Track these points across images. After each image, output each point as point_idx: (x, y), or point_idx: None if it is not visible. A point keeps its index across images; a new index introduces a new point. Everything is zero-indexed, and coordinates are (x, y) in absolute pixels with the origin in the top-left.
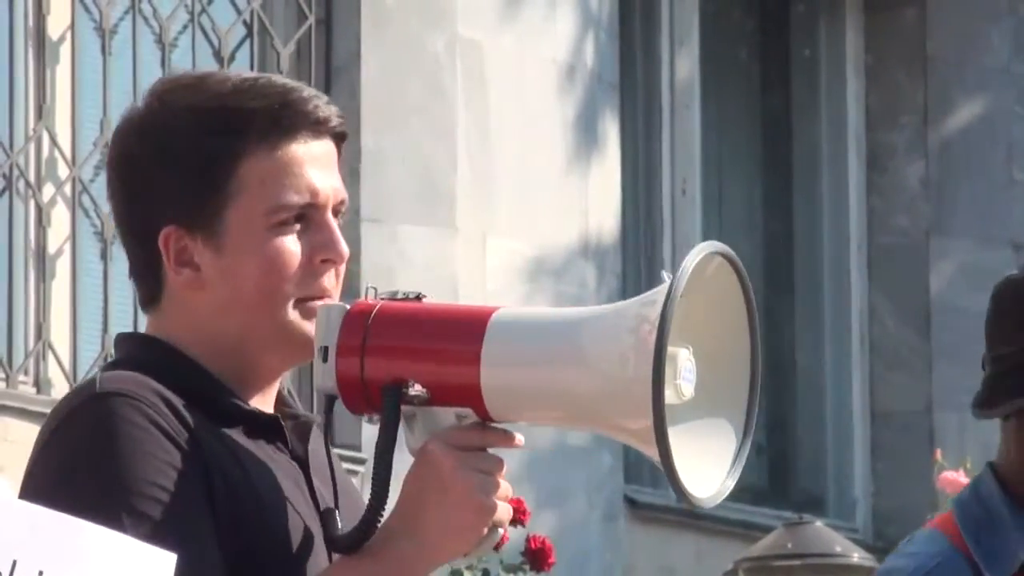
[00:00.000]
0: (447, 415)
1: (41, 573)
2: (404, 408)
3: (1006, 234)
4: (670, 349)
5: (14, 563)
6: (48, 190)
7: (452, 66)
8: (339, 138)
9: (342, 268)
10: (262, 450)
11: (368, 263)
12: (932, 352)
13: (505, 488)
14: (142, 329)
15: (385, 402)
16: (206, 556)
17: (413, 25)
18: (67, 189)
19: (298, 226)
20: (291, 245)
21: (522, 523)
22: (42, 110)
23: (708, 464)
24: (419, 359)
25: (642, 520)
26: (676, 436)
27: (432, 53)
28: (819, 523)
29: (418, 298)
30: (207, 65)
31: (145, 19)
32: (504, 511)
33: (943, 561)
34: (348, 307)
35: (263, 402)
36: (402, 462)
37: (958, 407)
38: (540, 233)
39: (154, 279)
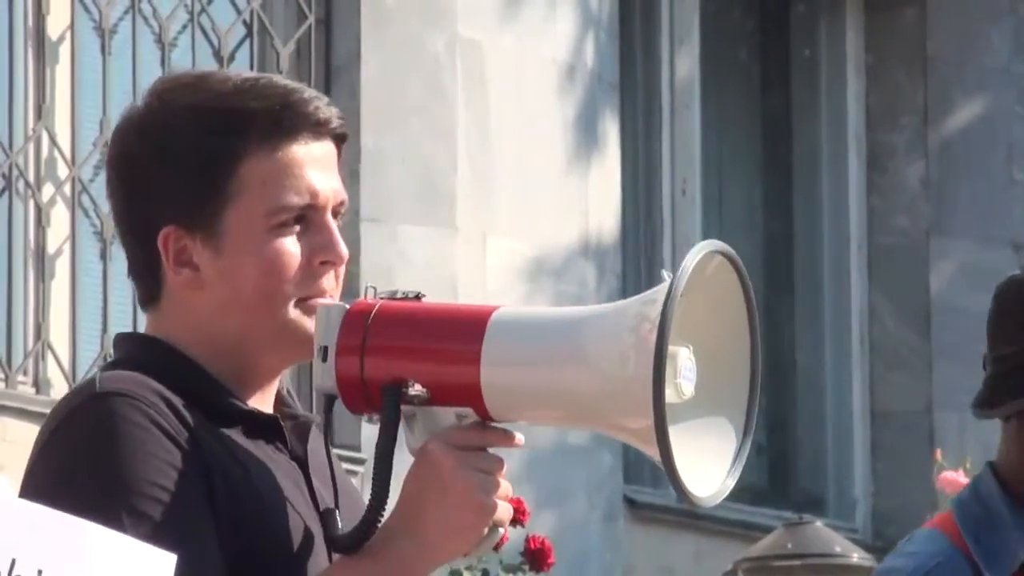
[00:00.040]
0: (447, 415)
1: (40, 572)
2: (404, 408)
3: (1006, 234)
4: (670, 348)
5: (13, 562)
6: (48, 190)
7: (452, 66)
8: (339, 139)
9: (342, 270)
10: (261, 450)
11: (368, 263)
12: (932, 352)
13: (505, 488)
14: (141, 329)
15: (385, 402)
16: (206, 556)
17: (413, 25)
18: (67, 189)
19: (298, 227)
20: (291, 246)
21: (522, 523)
22: (41, 110)
23: (708, 463)
24: (419, 359)
25: (642, 520)
26: (676, 435)
27: (432, 53)
28: (819, 523)
29: (418, 298)
30: (207, 65)
31: (145, 19)
32: (504, 511)
33: (943, 561)
34: (348, 307)
35: (262, 402)
36: (402, 462)
37: (958, 407)
38: (540, 233)
39: (153, 279)
